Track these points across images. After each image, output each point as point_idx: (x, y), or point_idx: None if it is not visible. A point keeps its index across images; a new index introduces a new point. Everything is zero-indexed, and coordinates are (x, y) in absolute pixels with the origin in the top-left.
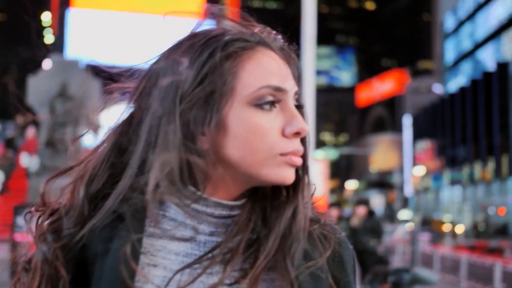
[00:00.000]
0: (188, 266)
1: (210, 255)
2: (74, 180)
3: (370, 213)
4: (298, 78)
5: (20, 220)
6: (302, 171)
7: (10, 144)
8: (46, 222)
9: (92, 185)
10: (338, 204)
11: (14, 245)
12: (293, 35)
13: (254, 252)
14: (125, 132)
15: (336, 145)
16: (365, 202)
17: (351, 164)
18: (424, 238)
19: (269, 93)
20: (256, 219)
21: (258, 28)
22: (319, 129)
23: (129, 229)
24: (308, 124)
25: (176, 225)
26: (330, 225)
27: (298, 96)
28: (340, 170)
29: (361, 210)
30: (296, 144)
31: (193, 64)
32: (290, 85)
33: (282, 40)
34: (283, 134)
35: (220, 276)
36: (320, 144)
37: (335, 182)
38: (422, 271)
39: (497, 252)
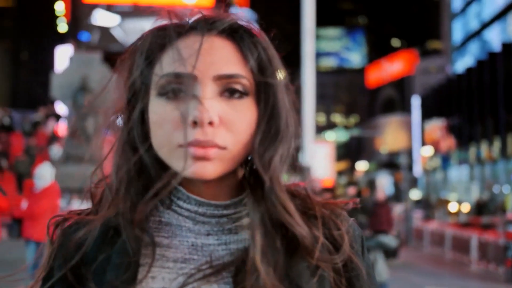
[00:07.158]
0: (190, 276)
1: (207, 262)
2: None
3: (359, 193)
4: (259, 57)
5: (63, 203)
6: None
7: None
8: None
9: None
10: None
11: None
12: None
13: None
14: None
15: (346, 127)
16: (355, 183)
17: (362, 145)
18: (417, 215)
19: (170, 82)
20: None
21: (187, 17)
22: (329, 110)
23: (126, 243)
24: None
25: (173, 230)
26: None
27: (234, 79)
28: (351, 151)
29: (351, 190)
30: (197, 134)
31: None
32: (200, 70)
33: (224, 22)
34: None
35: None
36: (331, 125)
37: (346, 163)
38: (384, 237)
39: (490, 228)
